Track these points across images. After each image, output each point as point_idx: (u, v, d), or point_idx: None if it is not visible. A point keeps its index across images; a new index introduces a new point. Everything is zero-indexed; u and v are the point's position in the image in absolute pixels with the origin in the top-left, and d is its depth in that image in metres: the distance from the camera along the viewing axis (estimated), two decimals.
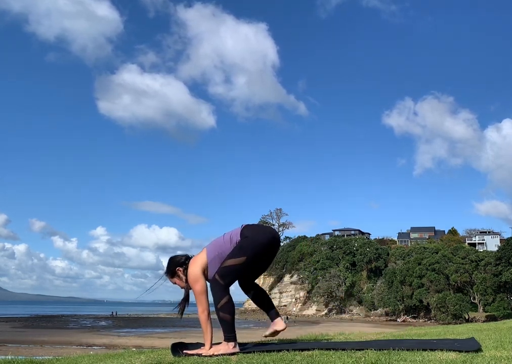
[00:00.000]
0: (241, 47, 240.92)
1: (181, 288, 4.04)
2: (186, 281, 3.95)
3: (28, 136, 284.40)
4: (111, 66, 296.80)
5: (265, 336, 4.26)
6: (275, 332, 4.17)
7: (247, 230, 3.88)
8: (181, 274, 3.97)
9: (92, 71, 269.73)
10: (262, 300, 4.21)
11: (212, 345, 3.81)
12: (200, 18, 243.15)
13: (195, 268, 3.85)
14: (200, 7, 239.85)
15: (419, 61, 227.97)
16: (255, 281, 4.22)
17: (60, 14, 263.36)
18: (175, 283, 4.04)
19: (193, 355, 3.68)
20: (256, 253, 3.80)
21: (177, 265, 4.00)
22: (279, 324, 4.14)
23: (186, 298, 4.05)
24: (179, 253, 4.20)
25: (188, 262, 3.98)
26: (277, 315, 4.20)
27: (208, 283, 3.91)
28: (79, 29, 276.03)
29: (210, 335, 3.79)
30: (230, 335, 3.70)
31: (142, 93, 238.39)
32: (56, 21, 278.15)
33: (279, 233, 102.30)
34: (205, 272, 3.86)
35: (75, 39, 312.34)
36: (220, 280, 3.71)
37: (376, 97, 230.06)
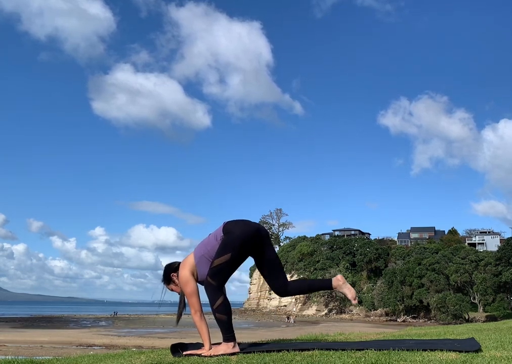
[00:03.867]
0: (234, 46, 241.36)
1: (178, 293, 4.06)
2: None
3: (25, 137, 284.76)
4: (104, 66, 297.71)
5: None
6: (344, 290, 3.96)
7: (228, 226, 3.86)
8: (175, 280, 4.00)
9: (85, 70, 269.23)
10: (303, 286, 4.12)
11: (211, 345, 3.82)
12: (192, 17, 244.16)
13: (184, 271, 3.88)
14: (192, 7, 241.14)
15: (414, 61, 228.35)
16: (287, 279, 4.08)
17: (52, 13, 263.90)
18: (172, 290, 4.07)
19: (192, 355, 3.68)
20: (240, 247, 3.77)
21: (171, 271, 4.03)
22: (336, 281, 3.96)
23: (182, 304, 4.06)
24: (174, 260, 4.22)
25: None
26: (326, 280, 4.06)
27: (203, 286, 3.93)
28: (71, 27, 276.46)
29: (206, 335, 3.80)
30: (229, 336, 3.70)
31: (136, 93, 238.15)
32: (48, 20, 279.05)
33: (279, 234, 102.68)
34: (194, 274, 3.87)
35: (67, 38, 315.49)
36: (211, 281, 3.72)
37: (371, 96, 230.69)
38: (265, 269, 4.00)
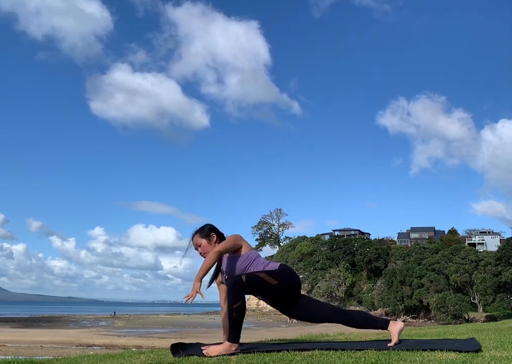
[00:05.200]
0: (232, 46, 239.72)
1: (200, 253, 4.00)
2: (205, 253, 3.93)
3: (23, 137, 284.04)
4: (101, 66, 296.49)
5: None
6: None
7: (288, 268, 3.95)
8: (213, 240, 3.98)
9: (82, 70, 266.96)
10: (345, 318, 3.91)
11: (212, 344, 3.83)
12: (189, 16, 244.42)
13: (238, 238, 3.89)
14: (189, 6, 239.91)
15: (412, 60, 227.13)
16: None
17: (49, 12, 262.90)
18: (200, 244, 4.00)
19: (193, 354, 3.66)
20: (285, 286, 3.80)
21: (214, 231, 4.04)
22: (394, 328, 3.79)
23: (218, 269, 4.04)
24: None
25: (221, 238, 4.02)
26: (384, 320, 3.89)
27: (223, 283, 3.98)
28: (68, 27, 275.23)
29: (202, 274, 3.71)
30: (234, 336, 3.67)
31: (133, 92, 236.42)
32: (45, 20, 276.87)
33: (279, 234, 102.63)
34: (227, 252, 3.84)
35: (64, 37, 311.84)
36: (244, 280, 3.66)
37: (369, 96, 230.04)
38: (295, 313, 3.98)
